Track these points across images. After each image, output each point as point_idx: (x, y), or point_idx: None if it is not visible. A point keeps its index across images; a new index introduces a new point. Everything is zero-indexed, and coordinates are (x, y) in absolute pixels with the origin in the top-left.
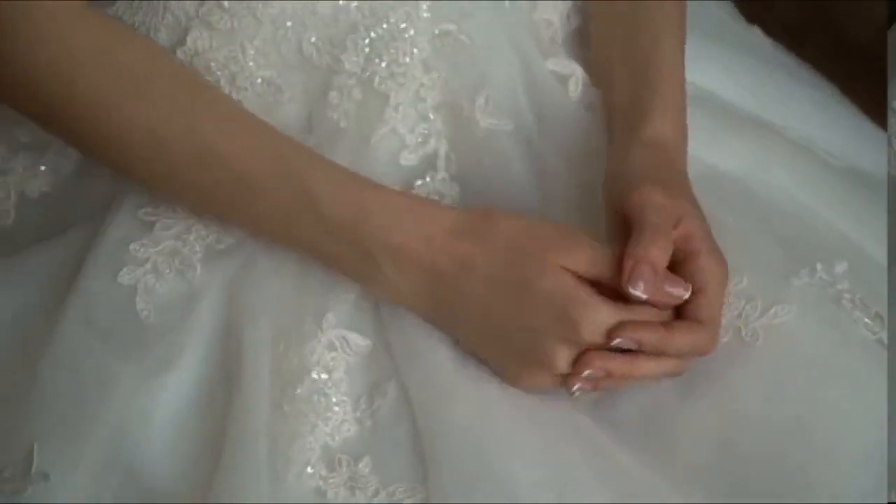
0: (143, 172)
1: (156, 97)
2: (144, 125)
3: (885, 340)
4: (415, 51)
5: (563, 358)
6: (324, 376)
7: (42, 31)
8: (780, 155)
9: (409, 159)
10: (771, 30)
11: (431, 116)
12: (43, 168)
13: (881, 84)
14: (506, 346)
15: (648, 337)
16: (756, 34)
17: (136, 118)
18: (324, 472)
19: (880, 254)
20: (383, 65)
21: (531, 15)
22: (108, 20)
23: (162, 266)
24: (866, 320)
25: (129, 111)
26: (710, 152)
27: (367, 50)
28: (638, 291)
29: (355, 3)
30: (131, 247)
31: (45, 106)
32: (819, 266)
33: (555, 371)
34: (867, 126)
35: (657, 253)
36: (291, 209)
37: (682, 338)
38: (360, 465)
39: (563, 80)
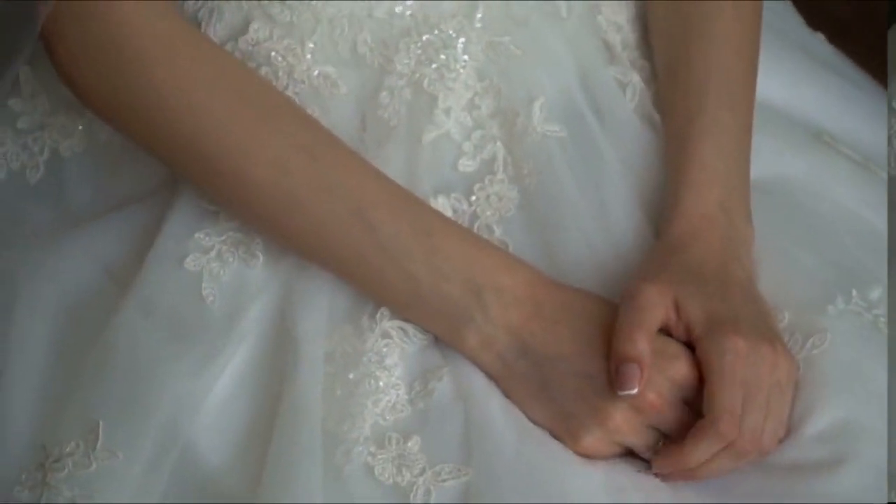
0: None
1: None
2: (268, 152)
3: None
4: (466, 58)
5: (619, 413)
6: (375, 360)
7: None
8: (836, 170)
9: (468, 165)
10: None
11: (487, 123)
12: (80, 128)
13: None
14: (565, 400)
15: (663, 468)
16: (819, 40)
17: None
18: (373, 449)
19: None
20: (433, 66)
21: (594, 18)
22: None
23: (226, 255)
24: None
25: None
26: (766, 165)
27: (418, 52)
28: (629, 392)
29: (409, 12)
30: (196, 235)
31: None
32: (854, 292)
33: (611, 429)
34: None
35: (635, 349)
36: (406, 242)
37: (696, 449)
38: (409, 444)
39: (623, 87)
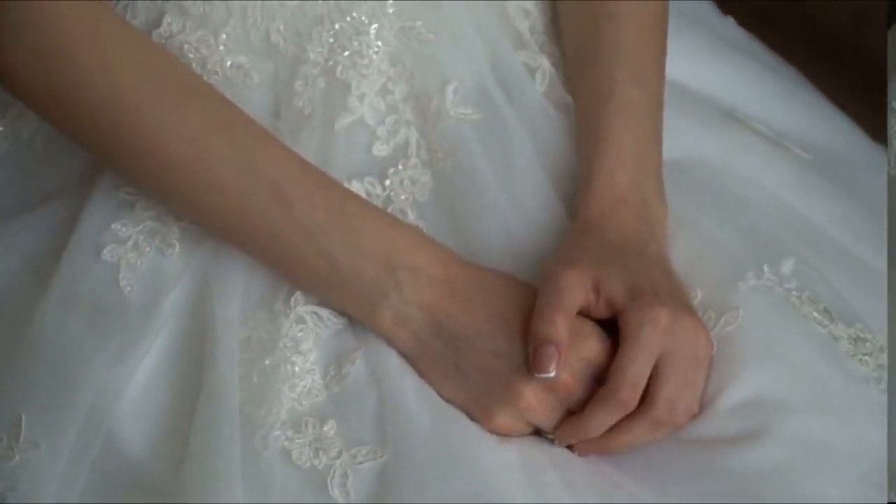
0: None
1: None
2: (187, 131)
3: (835, 334)
4: (379, 44)
5: (531, 392)
6: (290, 346)
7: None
8: (750, 147)
9: (381, 150)
10: (742, 18)
11: (400, 108)
12: (2, 129)
13: (847, 68)
14: (479, 378)
15: (564, 436)
16: (730, 24)
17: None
18: (290, 434)
19: (850, 243)
20: (346, 54)
21: (503, 5)
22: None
23: (143, 245)
24: (815, 314)
25: (168, 111)
26: (680, 144)
27: (331, 41)
28: (547, 375)
29: (321, 1)
30: (113, 226)
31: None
32: (766, 267)
33: (523, 408)
34: (831, 112)
35: (555, 332)
36: (322, 220)
37: (594, 417)
38: (325, 428)
39: (532, 72)
